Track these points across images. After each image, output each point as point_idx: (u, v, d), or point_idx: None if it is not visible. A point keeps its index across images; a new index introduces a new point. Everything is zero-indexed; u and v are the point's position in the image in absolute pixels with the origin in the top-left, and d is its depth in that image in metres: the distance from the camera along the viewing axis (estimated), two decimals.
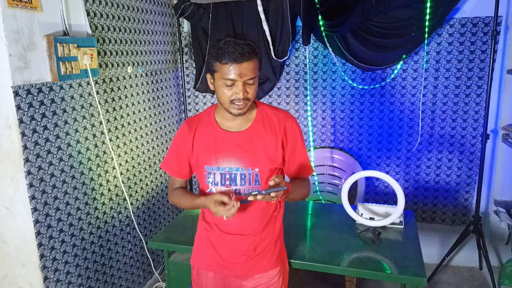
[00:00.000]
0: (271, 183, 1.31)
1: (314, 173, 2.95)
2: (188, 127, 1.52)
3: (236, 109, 1.37)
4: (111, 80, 2.32)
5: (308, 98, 2.97)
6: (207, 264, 1.58)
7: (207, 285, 1.59)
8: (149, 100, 2.73)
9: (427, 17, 2.45)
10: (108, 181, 2.30)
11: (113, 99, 2.35)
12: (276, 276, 1.56)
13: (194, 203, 1.50)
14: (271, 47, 2.67)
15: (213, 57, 1.35)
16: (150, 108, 2.75)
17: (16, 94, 1.67)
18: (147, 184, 2.73)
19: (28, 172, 1.75)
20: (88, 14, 2.11)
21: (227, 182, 1.46)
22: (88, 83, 2.11)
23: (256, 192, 1.29)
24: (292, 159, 1.51)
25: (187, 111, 3.18)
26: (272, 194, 1.28)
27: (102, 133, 2.24)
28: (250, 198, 1.30)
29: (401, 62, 2.72)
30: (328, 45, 2.73)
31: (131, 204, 2.53)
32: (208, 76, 1.41)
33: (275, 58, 2.70)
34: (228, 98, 1.35)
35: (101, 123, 2.21)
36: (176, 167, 1.58)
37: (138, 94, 2.60)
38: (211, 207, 1.38)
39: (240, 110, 1.38)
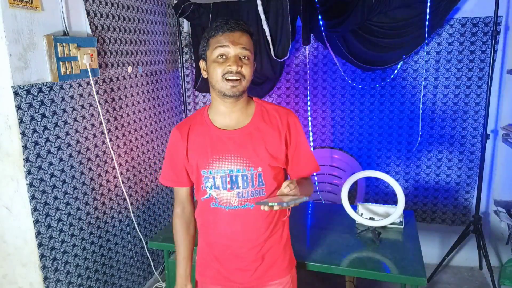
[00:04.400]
0: (286, 190, 1.19)
1: (315, 173, 2.95)
2: (180, 132, 1.40)
3: (229, 87, 1.26)
4: (111, 80, 2.32)
5: (308, 98, 2.97)
6: (213, 279, 1.47)
7: None
8: (149, 100, 2.73)
9: (427, 17, 2.46)
10: (108, 181, 2.30)
11: (113, 99, 2.35)
12: (288, 283, 1.48)
13: (176, 260, 1.52)
14: (271, 47, 2.67)
15: (205, 37, 1.30)
16: (150, 108, 2.75)
17: (16, 94, 1.67)
18: (147, 184, 2.73)
19: (28, 172, 1.75)
20: (88, 14, 2.11)
21: (229, 186, 1.34)
22: (88, 83, 2.11)
23: (273, 204, 1.10)
24: (297, 156, 1.41)
25: (187, 111, 3.18)
26: (291, 205, 1.14)
27: (102, 133, 2.24)
28: (264, 208, 1.13)
29: (401, 62, 2.72)
30: (328, 45, 2.73)
31: (131, 204, 2.53)
32: (201, 62, 1.34)
33: (275, 58, 2.70)
34: (220, 74, 1.26)
35: (101, 123, 2.21)
36: (174, 177, 1.46)
37: (138, 94, 2.60)
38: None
39: (234, 88, 1.27)
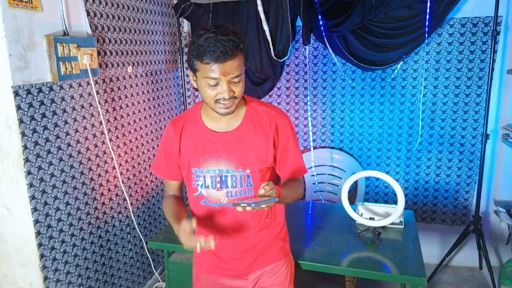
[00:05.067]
0: (261, 191, 1.24)
1: (314, 173, 2.95)
2: (174, 128, 1.45)
3: (223, 109, 1.29)
4: (111, 80, 2.32)
5: (308, 98, 2.97)
6: (209, 268, 1.55)
7: (208, 286, 1.56)
8: (149, 100, 2.73)
9: (427, 17, 2.46)
10: (108, 181, 2.30)
11: (113, 99, 2.35)
12: (281, 265, 1.53)
13: (171, 222, 1.43)
14: (271, 47, 2.67)
15: (194, 55, 1.25)
16: (150, 108, 2.75)
17: (16, 94, 1.67)
18: (147, 184, 2.73)
19: (28, 172, 1.75)
20: (88, 14, 2.11)
21: (218, 185, 1.40)
22: (88, 83, 2.11)
23: (245, 204, 1.20)
24: (284, 158, 1.44)
25: None
26: (263, 206, 1.20)
27: (102, 133, 2.24)
28: (238, 209, 1.21)
29: (401, 62, 2.72)
30: (328, 45, 2.73)
31: (131, 204, 2.53)
32: (190, 73, 1.31)
33: (275, 58, 2.70)
34: (212, 98, 1.27)
35: (101, 123, 2.21)
36: (166, 170, 1.51)
37: (138, 94, 2.60)
38: (179, 235, 1.32)
39: (227, 109, 1.29)
